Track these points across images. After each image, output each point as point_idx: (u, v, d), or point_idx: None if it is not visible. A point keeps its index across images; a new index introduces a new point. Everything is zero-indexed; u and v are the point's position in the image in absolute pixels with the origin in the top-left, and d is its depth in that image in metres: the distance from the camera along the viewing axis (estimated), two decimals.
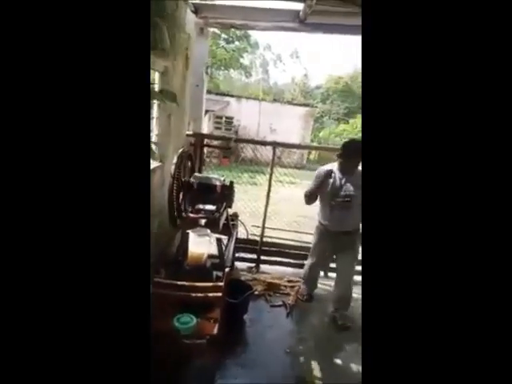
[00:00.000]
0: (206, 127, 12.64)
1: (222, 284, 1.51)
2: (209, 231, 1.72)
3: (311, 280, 2.54)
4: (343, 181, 2.13)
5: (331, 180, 2.13)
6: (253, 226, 3.39)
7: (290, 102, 15.07)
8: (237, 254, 2.88)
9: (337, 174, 2.14)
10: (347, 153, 2.07)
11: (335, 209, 2.16)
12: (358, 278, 2.37)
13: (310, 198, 2.23)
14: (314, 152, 14.09)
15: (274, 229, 3.92)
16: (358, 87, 20.18)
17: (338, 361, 1.92)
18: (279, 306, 2.40)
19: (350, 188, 2.11)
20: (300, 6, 2.06)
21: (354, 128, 14.24)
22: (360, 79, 19.05)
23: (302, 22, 2.17)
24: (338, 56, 39.93)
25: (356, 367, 1.87)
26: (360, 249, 2.27)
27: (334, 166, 2.19)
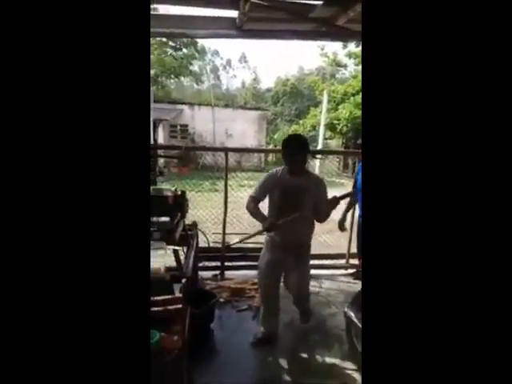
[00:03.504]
0: (162, 137, 12.34)
1: (180, 295, 1.49)
2: (164, 244, 1.69)
3: (266, 314, 2.05)
4: (293, 183, 1.83)
5: (277, 182, 1.87)
6: (214, 233, 3.37)
7: (242, 107, 15.24)
8: (201, 264, 2.84)
9: (285, 176, 1.86)
10: (288, 150, 1.83)
11: (286, 215, 1.81)
12: None
13: (248, 204, 1.93)
14: (271, 154, 14.38)
15: (237, 234, 3.92)
16: (304, 88, 20.91)
17: (304, 355, 1.97)
18: (245, 309, 2.41)
19: (300, 190, 1.83)
20: (236, 14, 2.10)
21: (304, 128, 14.65)
22: (305, 80, 19.85)
23: (239, 29, 2.22)
24: (283, 59, 41.07)
25: (321, 359, 1.95)
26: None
27: (281, 168, 1.93)
